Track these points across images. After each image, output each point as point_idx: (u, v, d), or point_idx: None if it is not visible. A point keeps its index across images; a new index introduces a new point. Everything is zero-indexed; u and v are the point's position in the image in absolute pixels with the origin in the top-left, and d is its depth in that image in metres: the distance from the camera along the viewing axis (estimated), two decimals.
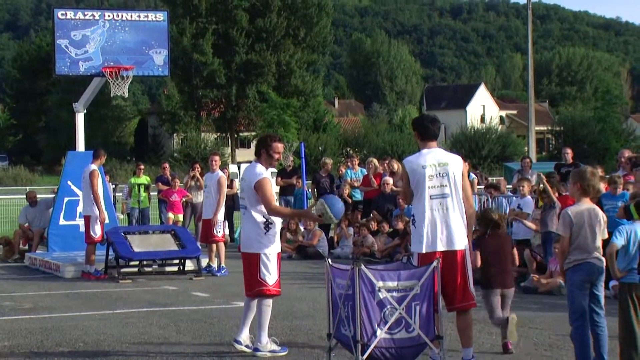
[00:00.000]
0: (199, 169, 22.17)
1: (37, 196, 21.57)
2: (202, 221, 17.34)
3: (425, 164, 8.47)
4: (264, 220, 9.50)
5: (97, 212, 16.56)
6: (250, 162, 10.22)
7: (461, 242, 8.43)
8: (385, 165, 21.81)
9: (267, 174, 9.59)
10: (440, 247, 8.37)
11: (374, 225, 19.85)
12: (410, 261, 8.73)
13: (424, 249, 8.38)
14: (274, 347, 9.66)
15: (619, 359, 8.25)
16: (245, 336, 9.71)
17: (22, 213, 21.24)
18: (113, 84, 19.19)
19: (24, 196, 21.98)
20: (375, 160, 21.95)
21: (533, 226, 15.46)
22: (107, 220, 17.09)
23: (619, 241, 7.98)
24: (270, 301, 9.64)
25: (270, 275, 9.52)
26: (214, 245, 16.89)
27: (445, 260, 8.36)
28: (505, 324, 9.27)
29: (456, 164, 8.53)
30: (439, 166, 8.47)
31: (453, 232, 8.39)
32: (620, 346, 8.16)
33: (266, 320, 9.62)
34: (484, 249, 9.57)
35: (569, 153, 20.95)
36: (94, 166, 16.79)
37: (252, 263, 9.51)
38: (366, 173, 21.64)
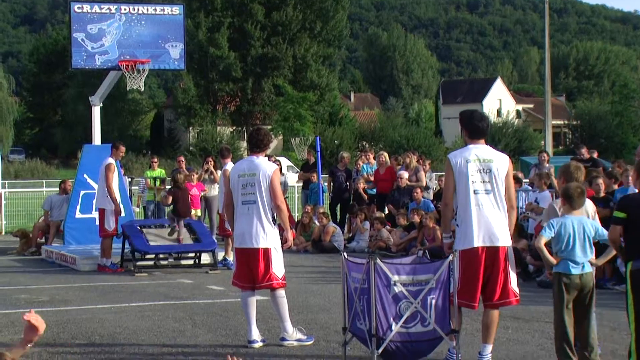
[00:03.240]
0: (213, 163, 22.17)
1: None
2: (219, 214, 17.37)
3: (469, 158, 8.40)
4: (272, 214, 9.60)
5: (111, 206, 16.61)
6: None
7: (504, 238, 8.33)
8: (400, 158, 21.78)
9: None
10: (483, 243, 8.28)
11: (400, 221, 19.65)
12: (426, 255, 8.71)
13: (471, 245, 8.29)
14: (300, 335, 9.74)
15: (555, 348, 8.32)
16: (257, 333, 9.73)
17: (48, 199, 21.36)
18: (129, 77, 19.21)
19: (41, 189, 22.05)
20: (386, 154, 21.92)
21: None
22: (122, 213, 17.14)
23: (546, 234, 8.15)
24: (283, 292, 9.74)
25: (280, 268, 9.71)
26: (230, 239, 16.88)
27: (487, 256, 8.28)
28: None
29: (501, 162, 8.43)
30: (483, 162, 8.38)
31: (495, 228, 8.29)
32: (555, 335, 8.24)
33: (286, 310, 9.74)
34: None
35: (583, 149, 21.37)
36: (110, 159, 16.82)
37: (263, 257, 9.58)
38: (377, 168, 21.64)
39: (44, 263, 18.50)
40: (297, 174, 27.35)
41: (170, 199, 17.34)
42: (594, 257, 8.23)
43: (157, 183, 23.05)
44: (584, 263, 8.09)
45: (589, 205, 8.69)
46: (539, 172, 18.14)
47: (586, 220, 8.22)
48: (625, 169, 15.03)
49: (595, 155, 22.26)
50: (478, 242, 8.29)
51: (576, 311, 8.16)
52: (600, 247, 8.46)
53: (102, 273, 16.46)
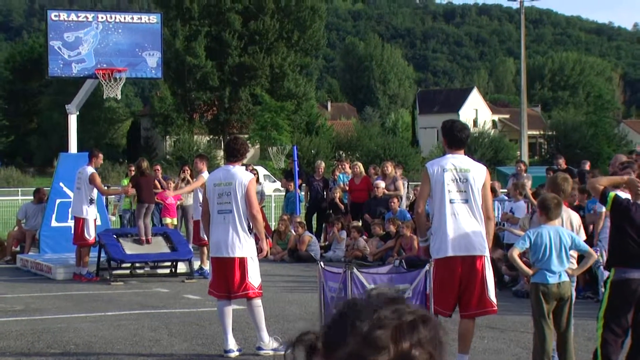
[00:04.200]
0: (189, 171, 22.12)
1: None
2: (193, 223, 17.32)
3: (446, 167, 8.43)
4: (248, 223, 9.60)
5: (89, 214, 16.60)
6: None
7: (480, 248, 8.34)
8: (378, 168, 21.82)
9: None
10: (459, 252, 8.30)
11: (376, 230, 19.63)
12: (403, 264, 8.74)
13: (445, 254, 8.31)
14: (277, 345, 9.75)
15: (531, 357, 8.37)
16: (233, 343, 9.72)
17: (22, 208, 21.26)
18: (106, 85, 19.15)
19: (17, 197, 21.91)
20: (360, 165, 21.96)
21: (521, 233, 15.35)
22: (132, 192, 17.90)
23: (519, 245, 8.26)
24: (259, 301, 9.73)
25: (256, 277, 9.71)
26: (205, 248, 16.85)
27: (464, 265, 8.30)
28: None
29: (478, 172, 8.46)
30: (460, 171, 8.40)
31: (472, 237, 8.31)
32: (533, 346, 8.30)
33: (262, 319, 9.73)
34: None
35: (560, 159, 21.46)
36: (91, 169, 16.75)
37: (239, 266, 9.57)
38: (351, 177, 21.68)
39: (19, 272, 18.40)
40: (278, 183, 27.29)
41: (131, 186, 17.47)
42: (574, 266, 8.26)
43: None
44: (561, 272, 8.14)
45: (574, 217, 8.71)
46: (514, 182, 18.22)
47: (563, 230, 8.26)
48: None
49: (587, 166, 22.13)
50: (453, 251, 8.31)
51: (556, 323, 8.20)
52: (578, 258, 8.51)
53: (77, 282, 16.39)
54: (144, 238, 16.95)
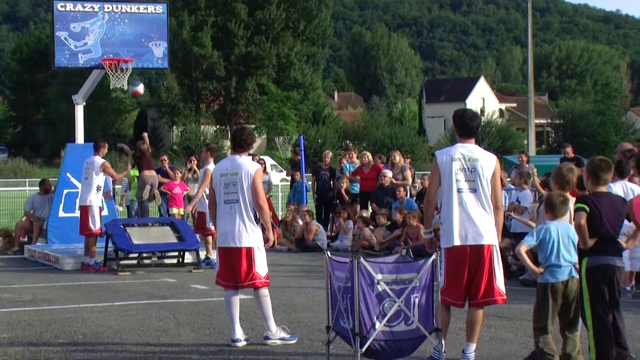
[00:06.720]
0: (196, 161, 22.12)
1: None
2: (197, 213, 17.30)
3: (454, 156, 8.40)
4: (254, 213, 9.59)
5: (93, 202, 16.59)
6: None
7: (489, 237, 8.32)
8: (384, 157, 21.77)
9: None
10: (466, 241, 8.27)
11: (380, 220, 19.62)
12: (410, 254, 8.74)
13: (452, 243, 8.29)
14: (284, 334, 9.76)
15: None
16: (240, 332, 9.74)
17: (29, 200, 21.25)
18: (112, 76, 19.17)
19: (24, 188, 21.94)
20: (369, 154, 21.91)
21: (532, 224, 15.31)
22: (131, 171, 18.73)
23: (527, 242, 8.18)
24: (267, 291, 9.74)
25: (263, 267, 9.70)
26: (210, 237, 16.86)
27: (472, 255, 8.28)
28: None
29: (487, 161, 8.43)
30: (468, 161, 8.38)
31: (480, 226, 8.29)
32: (534, 337, 8.30)
33: (269, 309, 9.74)
34: None
35: (568, 148, 21.46)
36: (100, 159, 16.74)
37: (246, 256, 9.57)
38: (359, 165, 21.64)
39: (27, 262, 18.44)
40: (285, 173, 27.30)
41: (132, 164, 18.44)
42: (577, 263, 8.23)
43: None
44: (571, 268, 8.09)
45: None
46: (520, 171, 18.19)
47: (570, 225, 8.21)
48: None
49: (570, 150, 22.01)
50: (460, 240, 8.31)
51: (563, 323, 8.17)
52: None
53: (85, 272, 16.42)
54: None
